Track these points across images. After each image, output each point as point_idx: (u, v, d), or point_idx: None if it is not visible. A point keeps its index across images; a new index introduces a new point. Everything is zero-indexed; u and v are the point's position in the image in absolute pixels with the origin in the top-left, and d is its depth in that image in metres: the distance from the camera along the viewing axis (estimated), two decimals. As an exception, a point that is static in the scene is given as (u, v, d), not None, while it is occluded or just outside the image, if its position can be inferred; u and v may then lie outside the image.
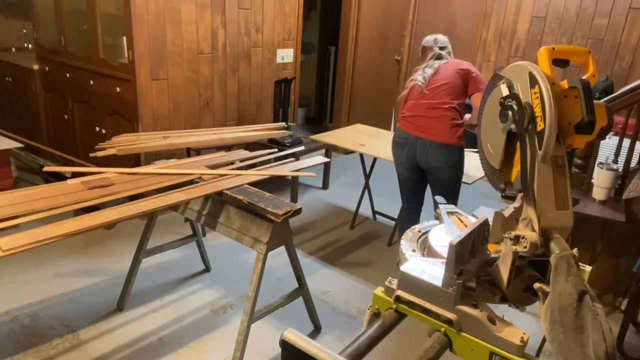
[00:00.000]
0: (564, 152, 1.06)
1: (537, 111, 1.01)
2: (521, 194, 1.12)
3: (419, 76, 2.75)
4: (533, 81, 1.04)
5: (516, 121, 1.04)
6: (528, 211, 1.08)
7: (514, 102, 1.05)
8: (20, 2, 4.53)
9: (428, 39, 2.83)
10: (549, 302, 0.99)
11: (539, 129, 1.01)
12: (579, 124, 1.02)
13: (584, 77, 1.09)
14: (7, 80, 4.43)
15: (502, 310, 1.23)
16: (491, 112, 1.15)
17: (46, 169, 2.36)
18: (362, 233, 3.63)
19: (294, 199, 3.91)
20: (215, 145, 3.17)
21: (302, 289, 2.37)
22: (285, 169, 2.42)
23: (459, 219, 1.53)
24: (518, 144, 1.09)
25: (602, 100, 1.09)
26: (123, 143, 2.62)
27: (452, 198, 2.72)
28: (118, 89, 3.39)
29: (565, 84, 1.05)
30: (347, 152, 2.86)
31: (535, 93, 1.03)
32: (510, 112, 1.05)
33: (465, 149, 3.39)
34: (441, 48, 2.81)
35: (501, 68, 1.17)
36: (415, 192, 2.90)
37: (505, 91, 1.09)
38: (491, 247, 1.25)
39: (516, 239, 1.07)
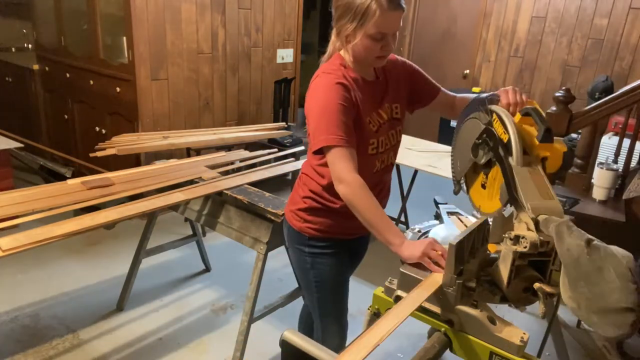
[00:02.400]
0: (535, 159, 1.18)
1: (500, 130, 1.20)
2: (512, 207, 1.16)
3: None
4: (490, 113, 1.24)
5: (492, 148, 1.20)
6: (521, 217, 1.10)
7: (488, 136, 1.22)
8: (20, 2, 4.53)
9: None
10: (563, 268, 0.99)
11: (505, 140, 1.17)
12: (540, 134, 1.17)
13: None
14: (7, 80, 4.43)
15: (502, 310, 1.23)
16: (466, 136, 1.33)
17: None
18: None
19: (294, 199, 3.90)
20: (215, 145, 3.17)
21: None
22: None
23: (459, 219, 1.53)
24: (481, 173, 1.30)
25: (601, 100, 1.14)
26: (123, 143, 2.63)
27: (318, 321, 1.69)
28: (118, 89, 3.39)
29: (518, 116, 1.24)
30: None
31: (494, 119, 1.22)
32: (484, 150, 1.24)
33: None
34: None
35: (485, 95, 1.32)
36: None
37: (480, 127, 1.26)
38: (491, 247, 1.25)
39: (516, 239, 1.07)
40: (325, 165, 1.44)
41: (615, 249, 0.94)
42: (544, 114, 1.20)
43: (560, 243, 0.99)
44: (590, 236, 0.97)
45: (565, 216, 1.07)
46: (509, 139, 1.16)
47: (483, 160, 1.24)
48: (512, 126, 1.17)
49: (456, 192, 1.45)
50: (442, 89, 1.61)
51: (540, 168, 1.17)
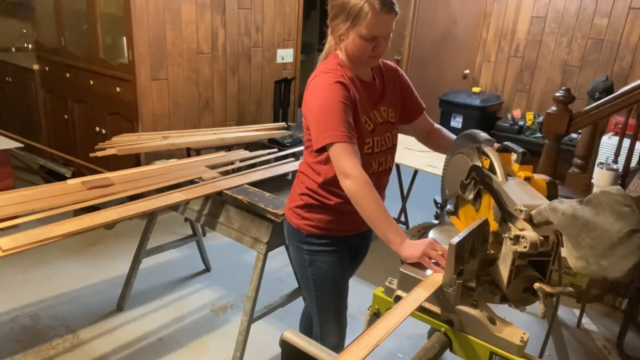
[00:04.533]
0: (519, 177, 1.26)
1: (485, 162, 1.29)
2: (503, 220, 1.18)
3: None
4: (480, 153, 1.31)
5: (481, 180, 1.27)
6: (517, 225, 1.11)
7: (476, 172, 1.28)
8: (20, 2, 4.53)
9: None
10: (565, 237, 1.00)
11: (488, 166, 1.26)
12: (519, 158, 1.27)
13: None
14: (7, 80, 4.43)
15: (502, 310, 1.23)
16: (456, 167, 1.41)
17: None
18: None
19: (294, 199, 3.90)
20: (215, 145, 3.17)
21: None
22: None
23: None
24: (469, 205, 1.37)
25: (601, 100, 1.17)
26: (123, 143, 2.63)
27: (317, 319, 1.67)
28: (118, 89, 3.39)
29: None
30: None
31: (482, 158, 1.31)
32: (471, 189, 1.31)
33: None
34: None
35: (472, 134, 1.38)
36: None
37: (468, 164, 1.32)
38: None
39: (516, 239, 1.07)
40: (322, 163, 1.47)
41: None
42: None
43: (555, 214, 1.01)
44: (581, 199, 1.00)
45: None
46: (491, 162, 1.25)
47: (470, 197, 1.31)
48: (492, 151, 1.27)
49: (442, 207, 1.54)
50: (424, 112, 1.69)
51: (524, 181, 1.24)
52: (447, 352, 1.16)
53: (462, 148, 1.40)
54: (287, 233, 1.65)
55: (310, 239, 1.56)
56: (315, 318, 1.68)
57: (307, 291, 1.67)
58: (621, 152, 2.70)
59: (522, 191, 1.18)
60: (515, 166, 1.28)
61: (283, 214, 1.95)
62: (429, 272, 1.21)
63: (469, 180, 1.32)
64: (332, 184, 1.46)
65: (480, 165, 1.29)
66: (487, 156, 1.28)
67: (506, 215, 1.15)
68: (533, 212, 1.07)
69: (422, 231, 1.52)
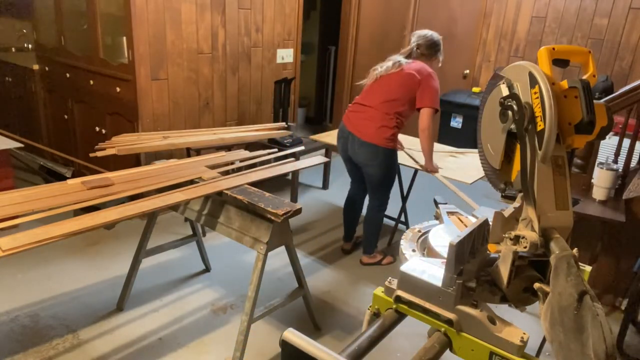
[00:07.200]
0: (564, 152, 1.06)
1: (537, 111, 1.01)
2: (521, 194, 1.12)
3: (378, 68, 2.87)
4: (533, 81, 1.04)
5: (516, 121, 1.05)
6: (528, 211, 1.09)
7: (514, 102, 1.05)
8: (20, 2, 4.53)
9: (417, 32, 2.97)
10: (549, 302, 0.99)
11: (539, 129, 1.01)
12: (579, 124, 1.01)
13: (584, 77, 1.09)
14: (7, 80, 4.43)
15: (502, 310, 1.23)
16: (491, 112, 1.16)
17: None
18: (362, 233, 3.62)
19: (294, 199, 3.91)
20: (215, 145, 3.17)
21: (302, 289, 2.37)
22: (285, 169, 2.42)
23: (459, 219, 1.53)
24: (518, 144, 1.09)
25: (602, 100, 1.09)
26: (123, 143, 2.62)
27: (382, 192, 2.95)
28: (118, 89, 3.39)
29: (565, 84, 1.05)
30: (347, 152, 2.93)
31: (535, 93, 1.03)
32: (510, 112, 1.06)
33: (464, 149, 3.38)
34: (418, 46, 2.90)
35: (501, 68, 1.18)
36: (355, 180, 3.13)
37: (505, 91, 1.09)
38: (491, 247, 1.25)
39: (516, 239, 1.07)
40: (409, 112, 2.83)
41: (603, 319, 0.93)
42: (594, 99, 1.02)
43: (555, 281, 0.99)
44: (585, 287, 0.96)
45: (568, 249, 1.02)
46: (544, 130, 0.99)
47: (514, 125, 1.06)
48: (552, 115, 0.98)
49: (503, 190, 1.21)
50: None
51: (567, 164, 1.05)
52: (447, 352, 1.16)
53: (501, 80, 1.11)
54: (384, 155, 2.76)
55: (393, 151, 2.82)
56: (381, 193, 2.97)
57: (387, 179, 2.89)
58: (621, 152, 2.70)
59: (554, 186, 1.01)
60: (572, 127, 1.02)
61: (285, 213, 1.93)
62: (427, 275, 1.21)
63: (508, 100, 1.05)
64: (404, 116, 2.81)
65: (530, 102, 1.01)
66: (544, 116, 0.98)
67: (524, 191, 1.05)
68: (553, 237, 1.04)
69: (421, 231, 1.52)
